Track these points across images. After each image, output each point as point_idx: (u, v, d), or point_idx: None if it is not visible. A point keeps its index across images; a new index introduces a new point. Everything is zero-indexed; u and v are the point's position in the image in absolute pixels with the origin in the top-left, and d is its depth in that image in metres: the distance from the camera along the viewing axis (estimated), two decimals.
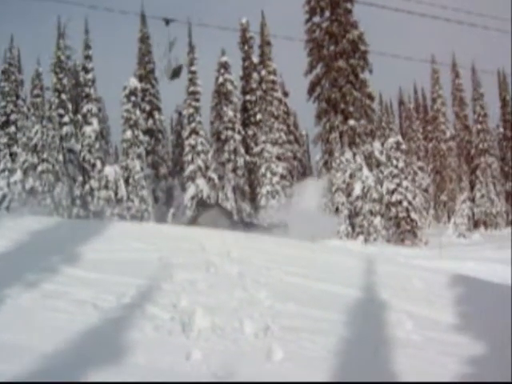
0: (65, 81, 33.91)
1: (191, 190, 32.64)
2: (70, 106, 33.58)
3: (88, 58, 34.34)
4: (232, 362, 4.04)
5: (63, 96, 33.44)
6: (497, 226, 46.72)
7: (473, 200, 46.73)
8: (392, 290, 6.54)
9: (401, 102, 58.97)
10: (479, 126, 50.17)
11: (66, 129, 33.08)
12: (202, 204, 21.84)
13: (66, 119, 33.10)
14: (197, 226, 14.08)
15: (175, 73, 22.93)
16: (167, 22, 21.91)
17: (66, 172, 32.17)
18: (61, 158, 31.61)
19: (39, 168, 30.37)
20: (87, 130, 32.77)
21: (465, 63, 67.33)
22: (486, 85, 51.72)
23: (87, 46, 34.41)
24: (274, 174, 35.22)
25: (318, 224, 22.05)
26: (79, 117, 33.42)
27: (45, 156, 30.40)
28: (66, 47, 35.58)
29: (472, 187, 48.28)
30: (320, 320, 5.22)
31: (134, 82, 34.50)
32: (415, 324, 5.42)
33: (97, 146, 33.00)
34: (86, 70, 34.13)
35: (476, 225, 46.20)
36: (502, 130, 51.55)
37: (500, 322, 5.81)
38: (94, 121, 33.27)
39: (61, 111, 33.11)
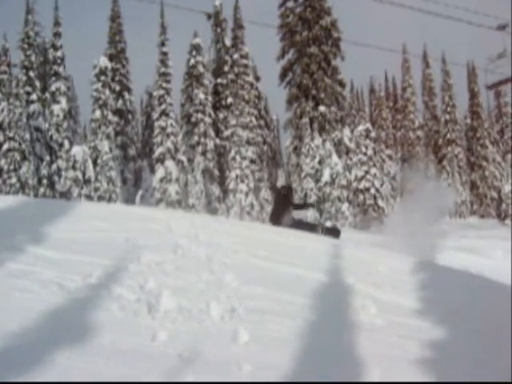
0: (33, 58, 33.33)
1: (160, 172, 32.47)
2: (37, 83, 33.03)
3: (57, 35, 33.71)
4: (198, 344, 4.06)
5: (31, 73, 32.86)
6: (461, 215, 47.60)
7: None
8: (357, 274, 6.62)
9: (371, 90, 59.48)
10: (447, 117, 50.90)
11: (33, 107, 32.56)
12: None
13: (33, 97, 32.57)
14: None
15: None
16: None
17: (32, 151, 31.67)
18: (28, 136, 31.10)
19: (5, 146, 29.88)
20: (55, 108, 32.25)
21: (435, 54, 68.09)
22: (455, 76, 52.49)
23: (57, 23, 33.75)
24: (243, 158, 35.22)
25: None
26: (47, 95, 32.88)
27: (11, 134, 29.89)
28: (34, 23, 34.91)
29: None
30: (286, 303, 5.27)
31: (104, 61, 34.02)
32: (379, 308, 5.50)
33: (65, 125, 32.54)
34: (55, 48, 33.51)
35: None
36: (469, 121, 52.34)
37: (462, 308, 5.96)
38: (63, 99, 32.75)
39: (28, 89, 32.56)
